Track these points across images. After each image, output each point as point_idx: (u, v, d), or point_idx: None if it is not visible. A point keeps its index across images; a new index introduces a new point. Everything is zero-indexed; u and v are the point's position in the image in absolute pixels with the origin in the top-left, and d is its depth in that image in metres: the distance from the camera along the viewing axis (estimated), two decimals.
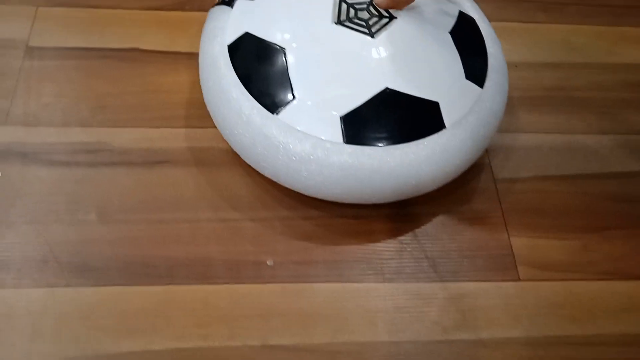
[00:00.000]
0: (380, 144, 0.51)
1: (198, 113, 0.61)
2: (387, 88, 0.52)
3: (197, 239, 0.55)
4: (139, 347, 0.49)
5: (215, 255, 0.54)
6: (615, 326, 0.54)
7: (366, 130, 0.52)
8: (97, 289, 0.52)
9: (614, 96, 0.70)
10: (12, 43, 0.65)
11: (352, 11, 0.55)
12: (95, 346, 0.49)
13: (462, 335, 0.53)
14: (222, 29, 0.56)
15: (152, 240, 0.55)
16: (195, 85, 0.61)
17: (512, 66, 0.68)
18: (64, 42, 0.66)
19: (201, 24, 0.60)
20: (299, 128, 0.52)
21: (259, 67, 0.54)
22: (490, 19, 0.62)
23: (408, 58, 0.54)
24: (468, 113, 0.54)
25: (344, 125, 0.51)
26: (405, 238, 0.57)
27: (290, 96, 0.52)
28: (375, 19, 0.55)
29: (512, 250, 0.58)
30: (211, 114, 0.57)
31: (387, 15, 0.55)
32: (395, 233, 0.57)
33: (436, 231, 0.58)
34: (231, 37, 0.56)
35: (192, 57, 0.63)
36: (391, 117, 0.52)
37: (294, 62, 0.53)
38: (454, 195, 0.60)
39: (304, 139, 0.51)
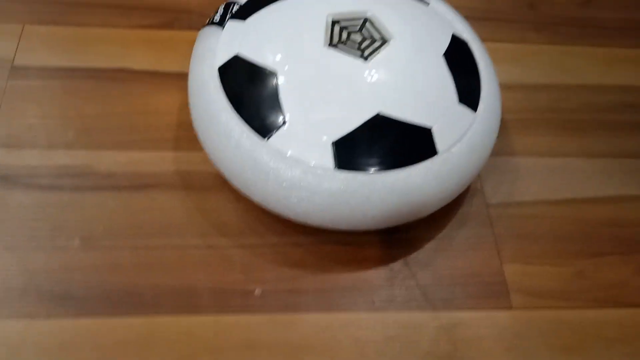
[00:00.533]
0: (372, 170, 0.50)
1: (187, 135, 0.60)
2: (379, 113, 0.51)
3: (184, 267, 0.54)
4: None
5: (203, 284, 0.53)
6: (608, 356, 0.53)
7: (358, 156, 0.51)
8: (78, 320, 0.50)
9: (608, 118, 0.70)
10: None
11: (344, 34, 0.54)
12: None
13: None
14: (212, 51, 0.55)
15: (137, 268, 0.53)
16: (185, 107, 0.60)
17: (505, 87, 0.67)
18: (50, 62, 0.65)
19: (191, 42, 0.59)
20: (289, 153, 0.50)
21: (250, 90, 0.53)
22: (484, 39, 0.61)
23: (401, 82, 0.53)
24: (461, 138, 0.53)
25: (335, 151, 0.50)
26: (397, 265, 0.56)
27: (280, 121, 0.51)
28: (367, 42, 0.54)
29: (504, 277, 0.57)
30: (200, 138, 0.56)
31: (380, 38, 0.54)
32: (386, 260, 0.56)
33: (428, 258, 0.57)
34: (221, 60, 0.54)
35: (181, 78, 0.62)
36: (383, 142, 0.51)
37: (285, 86, 0.52)
38: (445, 220, 0.59)
39: (295, 165, 0.50)
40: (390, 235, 0.57)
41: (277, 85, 0.52)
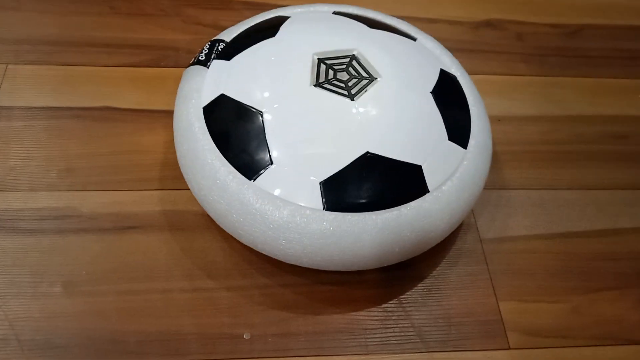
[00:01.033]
0: (361, 210, 0.49)
1: (172, 174, 0.59)
2: (367, 152, 0.50)
3: (169, 311, 0.52)
4: None
5: (189, 329, 0.51)
6: None
7: (347, 196, 0.50)
8: None
9: (597, 149, 0.69)
10: None
11: (330, 72, 0.54)
12: None
13: None
14: (197, 91, 0.55)
15: (121, 314, 0.51)
16: (170, 145, 0.59)
17: (494, 120, 0.67)
18: (33, 102, 0.64)
19: (178, 79, 0.58)
20: (276, 194, 0.49)
21: (235, 130, 0.52)
22: (472, 72, 0.61)
23: (389, 121, 0.52)
24: (452, 175, 0.53)
25: (323, 191, 0.49)
26: (390, 305, 0.55)
27: (267, 161, 0.50)
28: (355, 80, 0.54)
29: (500, 315, 0.55)
30: (185, 178, 0.54)
31: (367, 76, 0.54)
32: (379, 300, 0.55)
33: (422, 297, 0.56)
34: (206, 99, 0.54)
35: (167, 115, 0.61)
36: (372, 182, 0.50)
37: (272, 126, 0.51)
38: (440, 257, 0.58)
39: (282, 206, 0.49)
40: (383, 274, 0.56)
41: (263, 125, 0.51)
